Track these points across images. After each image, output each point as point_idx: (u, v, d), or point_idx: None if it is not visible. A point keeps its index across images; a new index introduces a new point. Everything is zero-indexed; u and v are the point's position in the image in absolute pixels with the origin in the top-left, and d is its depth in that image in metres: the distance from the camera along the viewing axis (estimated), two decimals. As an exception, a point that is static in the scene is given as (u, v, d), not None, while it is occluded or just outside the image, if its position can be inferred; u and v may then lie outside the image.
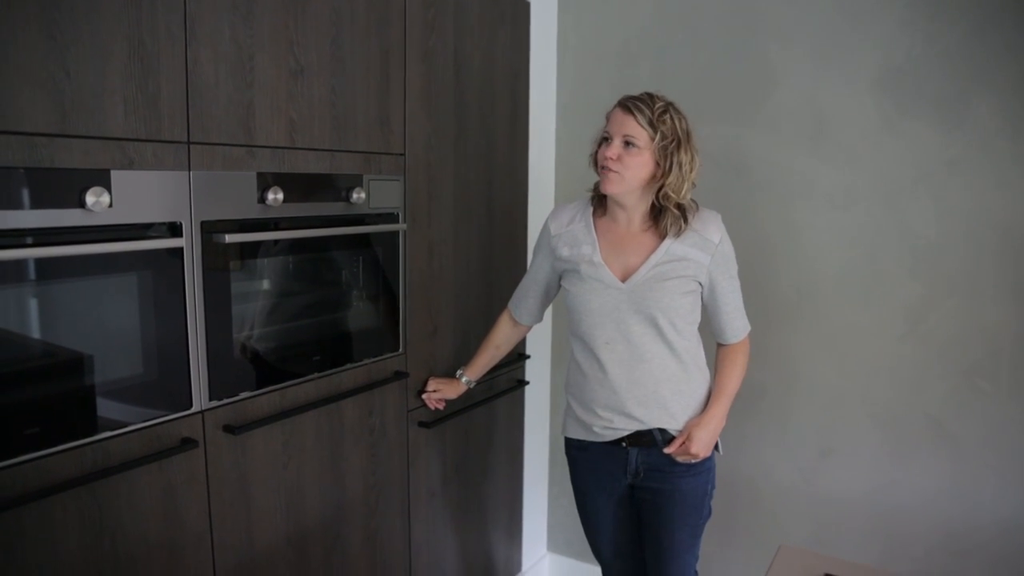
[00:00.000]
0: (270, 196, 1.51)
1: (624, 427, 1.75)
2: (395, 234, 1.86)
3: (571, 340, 1.82)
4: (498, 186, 2.26)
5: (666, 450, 1.73)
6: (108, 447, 1.30)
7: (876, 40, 2.07)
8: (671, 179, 1.64)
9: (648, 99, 1.64)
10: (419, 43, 1.87)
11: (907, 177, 2.07)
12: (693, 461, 1.73)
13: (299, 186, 1.60)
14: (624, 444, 1.76)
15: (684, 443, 1.72)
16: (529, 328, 2.02)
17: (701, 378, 1.77)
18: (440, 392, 2.01)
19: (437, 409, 2.03)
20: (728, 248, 1.73)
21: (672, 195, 1.65)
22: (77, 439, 1.25)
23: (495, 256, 2.28)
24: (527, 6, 2.33)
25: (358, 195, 1.71)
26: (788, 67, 2.20)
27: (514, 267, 2.39)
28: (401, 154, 1.85)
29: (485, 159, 2.19)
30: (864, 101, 2.10)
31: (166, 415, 1.39)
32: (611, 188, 1.66)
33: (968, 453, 2.08)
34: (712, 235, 1.70)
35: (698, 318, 1.75)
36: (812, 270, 2.23)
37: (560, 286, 1.85)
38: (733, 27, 2.26)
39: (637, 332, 1.69)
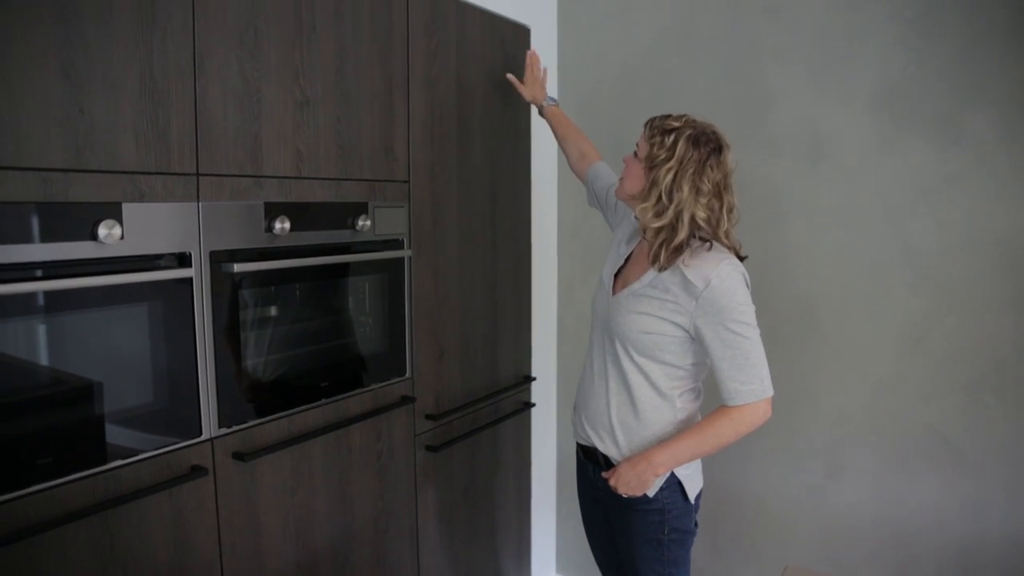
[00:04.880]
0: (277, 225, 1.54)
1: (581, 435, 1.77)
2: (400, 260, 1.88)
3: None
4: (502, 211, 2.29)
5: (603, 474, 1.71)
6: (119, 476, 1.31)
7: (870, 59, 2.10)
8: (647, 202, 1.54)
9: (669, 118, 1.58)
10: (422, 72, 1.90)
11: (906, 193, 2.09)
12: (623, 495, 1.64)
13: (306, 215, 1.62)
14: (581, 455, 1.79)
15: (611, 474, 1.66)
16: (579, 169, 2.10)
17: (661, 423, 1.63)
18: (529, 79, 2.18)
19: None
20: (720, 298, 1.50)
21: (642, 218, 1.56)
22: (89, 468, 1.27)
23: (500, 279, 2.30)
24: (527, 32, 2.37)
25: (363, 222, 1.73)
26: (785, 87, 2.23)
27: (519, 290, 2.41)
28: (405, 181, 1.88)
29: (488, 184, 2.21)
30: (861, 119, 2.13)
31: (176, 443, 1.40)
32: (616, 192, 1.72)
33: (976, 468, 2.08)
34: (696, 279, 1.50)
35: (676, 363, 1.60)
36: (813, 288, 2.24)
37: (596, 201, 2.01)
38: (730, 49, 2.30)
39: (608, 347, 1.68)
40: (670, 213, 1.52)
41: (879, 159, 2.12)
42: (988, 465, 2.06)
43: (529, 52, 2.22)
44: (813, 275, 2.24)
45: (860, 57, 2.11)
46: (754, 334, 1.53)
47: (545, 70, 2.22)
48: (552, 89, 2.60)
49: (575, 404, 1.82)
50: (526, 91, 2.18)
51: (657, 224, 1.53)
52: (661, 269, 1.54)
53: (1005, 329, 2.01)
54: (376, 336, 1.86)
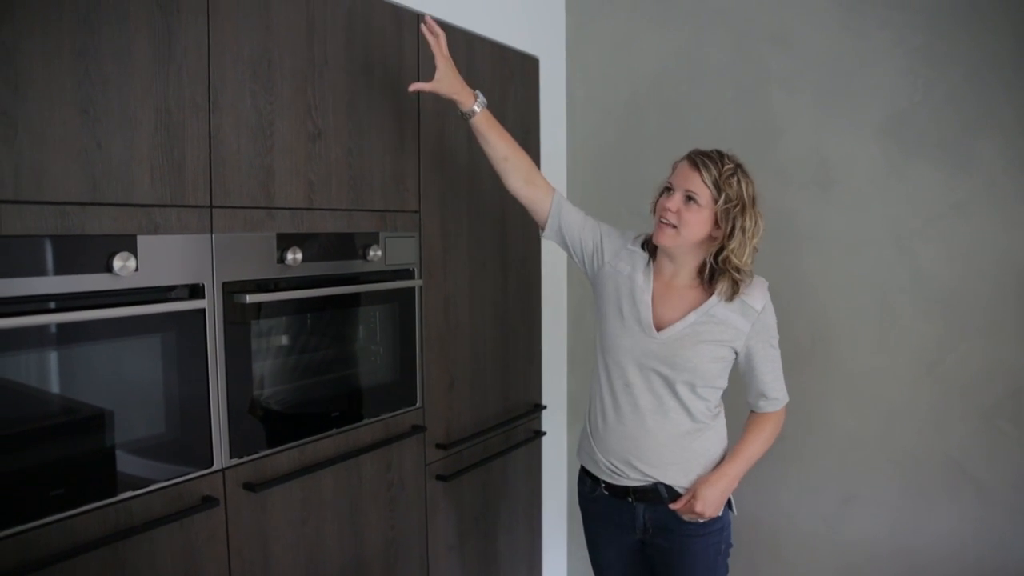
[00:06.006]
0: (289, 256, 1.55)
1: (630, 476, 1.70)
2: (411, 290, 1.89)
3: (597, 359, 1.77)
4: (512, 239, 2.30)
5: (671, 506, 1.67)
6: (131, 507, 1.31)
7: (878, 86, 2.11)
8: (734, 244, 1.58)
9: (718, 157, 1.60)
10: (432, 103, 1.93)
11: (915, 220, 2.09)
12: (700, 520, 1.67)
13: (317, 245, 1.64)
14: (630, 499, 1.72)
15: (689, 501, 1.65)
16: (530, 195, 1.80)
17: (716, 440, 1.72)
18: (438, 74, 1.65)
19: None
20: (770, 317, 1.66)
21: (734, 260, 1.59)
22: (101, 499, 1.27)
23: (510, 308, 2.30)
24: (536, 62, 2.40)
25: (374, 252, 1.75)
26: (793, 115, 2.24)
27: (529, 317, 2.41)
28: (416, 211, 1.90)
29: (498, 212, 2.23)
30: (869, 146, 2.13)
31: (187, 473, 1.41)
32: (665, 240, 1.62)
33: (993, 496, 2.04)
34: (755, 302, 1.63)
35: (724, 384, 1.70)
36: (825, 315, 2.23)
37: (568, 247, 1.79)
38: (737, 77, 2.32)
39: (657, 384, 1.66)
40: (749, 249, 1.61)
41: (887, 186, 2.12)
42: (1006, 493, 2.03)
43: (424, 26, 1.66)
44: (824, 301, 2.23)
45: (867, 85, 2.12)
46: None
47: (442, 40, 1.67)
48: (559, 119, 2.63)
49: (606, 449, 1.72)
50: (442, 85, 1.66)
51: (742, 263, 1.60)
52: (731, 298, 1.62)
53: (1019, 356, 1.99)
54: (387, 365, 1.86)
